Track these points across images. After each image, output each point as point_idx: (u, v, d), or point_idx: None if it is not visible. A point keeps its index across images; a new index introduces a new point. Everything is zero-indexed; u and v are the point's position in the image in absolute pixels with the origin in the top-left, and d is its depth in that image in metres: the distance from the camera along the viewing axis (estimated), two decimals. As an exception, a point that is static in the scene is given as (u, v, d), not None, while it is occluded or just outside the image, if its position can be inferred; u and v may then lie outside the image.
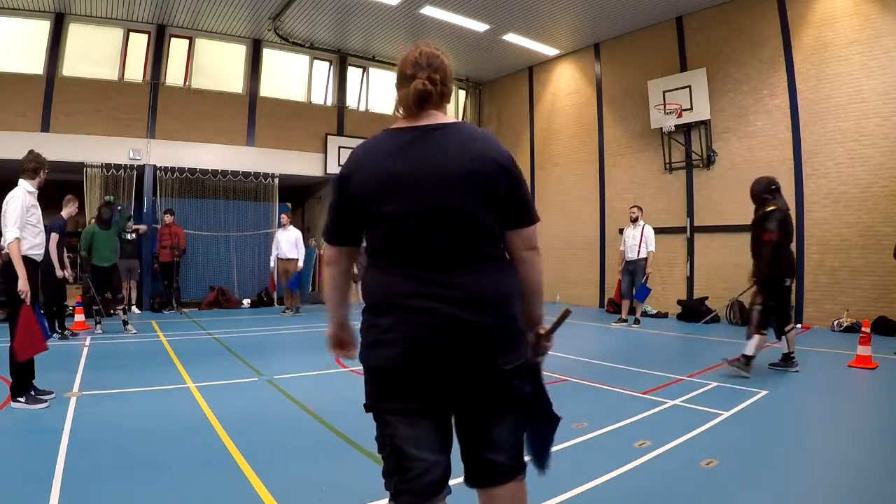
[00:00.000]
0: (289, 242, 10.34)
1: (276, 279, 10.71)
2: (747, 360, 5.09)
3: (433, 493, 1.59)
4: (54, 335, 6.91)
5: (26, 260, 4.09)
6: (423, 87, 1.54)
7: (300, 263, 10.35)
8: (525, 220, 1.60)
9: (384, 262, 1.57)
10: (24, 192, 4.16)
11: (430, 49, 1.61)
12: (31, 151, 4.37)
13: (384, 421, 1.59)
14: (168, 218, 10.67)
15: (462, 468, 1.69)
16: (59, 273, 6.79)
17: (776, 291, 5.22)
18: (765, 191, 5.31)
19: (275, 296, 11.62)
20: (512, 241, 1.61)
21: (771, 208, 5.17)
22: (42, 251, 4.32)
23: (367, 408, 1.62)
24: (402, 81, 1.60)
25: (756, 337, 5.11)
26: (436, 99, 1.58)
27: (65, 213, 7.07)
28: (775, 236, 5.06)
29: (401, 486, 1.59)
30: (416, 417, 1.56)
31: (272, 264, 10.57)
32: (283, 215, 10.67)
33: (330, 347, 1.85)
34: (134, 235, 10.13)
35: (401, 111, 1.61)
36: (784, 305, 5.40)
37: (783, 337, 5.44)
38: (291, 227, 10.51)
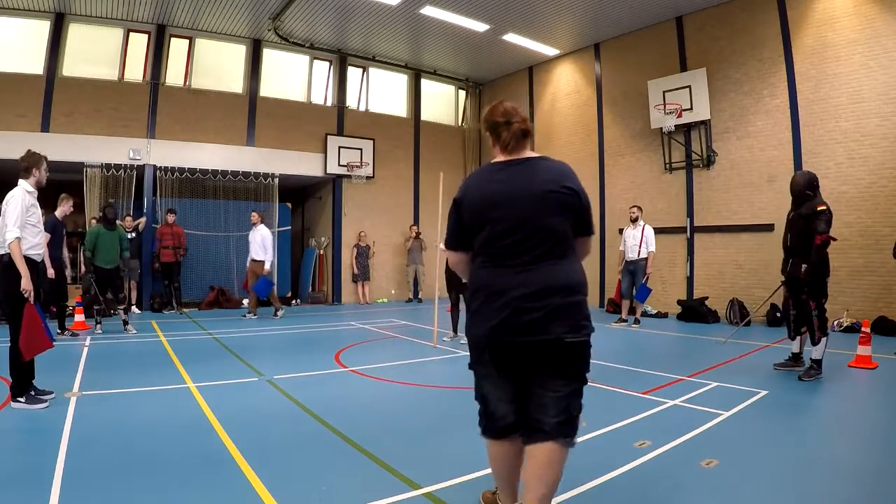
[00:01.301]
0: (255, 243, 9.70)
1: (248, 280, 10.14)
2: (819, 364, 5.12)
3: (507, 433, 2.15)
4: (64, 333, 6.91)
5: (28, 260, 4.10)
6: (525, 127, 2.14)
7: (267, 266, 9.65)
8: (586, 231, 2.18)
9: (483, 260, 2.10)
10: (23, 192, 4.17)
11: (511, 104, 2.20)
12: (27, 151, 4.38)
13: (477, 378, 2.19)
14: (170, 217, 10.66)
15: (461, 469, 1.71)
16: (49, 273, 6.56)
17: (823, 289, 5.17)
18: (807, 186, 5.17)
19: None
20: (577, 246, 2.15)
21: (821, 208, 5.04)
22: (41, 251, 4.33)
23: (471, 367, 2.20)
24: (498, 127, 2.14)
25: (823, 340, 5.12)
26: (528, 136, 2.16)
27: (59, 212, 7.00)
28: (828, 237, 4.99)
29: (487, 426, 2.19)
30: (494, 378, 2.12)
31: (248, 265, 9.99)
32: (253, 213, 9.95)
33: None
34: (134, 234, 10.13)
35: (498, 150, 2.18)
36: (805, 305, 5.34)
37: (797, 337, 5.39)
38: (261, 227, 9.86)
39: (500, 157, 2.17)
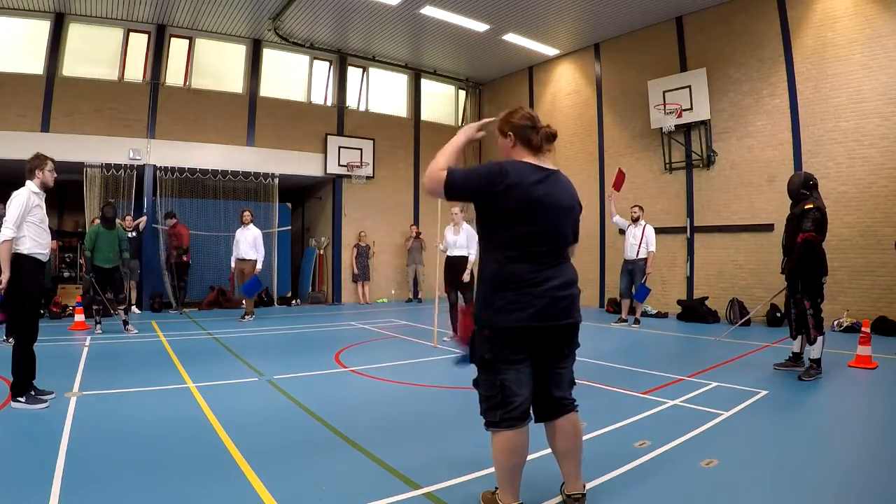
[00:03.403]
0: (247, 242, 9.57)
1: (235, 281, 10.08)
2: (818, 363, 5.11)
3: (525, 418, 2.31)
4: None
5: (31, 259, 4.14)
6: (553, 131, 2.41)
7: (258, 266, 9.54)
8: (577, 238, 2.48)
9: (515, 255, 2.24)
10: (28, 193, 4.21)
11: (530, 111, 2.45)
12: (35, 153, 4.43)
13: (496, 369, 2.27)
14: (170, 221, 10.63)
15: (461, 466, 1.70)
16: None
17: (818, 289, 5.16)
18: (802, 186, 5.20)
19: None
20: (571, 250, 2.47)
21: (808, 206, 5.07)
22: (47, 250, 4.35)
23: (486, 360, 2.28)
24: (525, 130, 2.36)
25: (820, 339, 5.11)
26: (555, 139, 2.43)
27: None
28: (810, 236, 5.00)
29: (504, 416, 2.27)
30: (521, 365, 2.27)
31: (232, 265, 9.86)
32: (245, 212, 9.82)
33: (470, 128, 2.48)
34: (135, 233, 10.12)
35: (520, 151, 2.36)
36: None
37: (798, 337, 5.40)
38: (252, 226, 9.73)
39: (529, 159, 2.34)
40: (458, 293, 7.17)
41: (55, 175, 4.45)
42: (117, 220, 8.51)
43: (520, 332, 2.23)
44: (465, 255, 7.07)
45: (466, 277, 7.01)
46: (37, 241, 4.19)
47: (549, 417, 2.42)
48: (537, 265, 2.25)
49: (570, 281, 2.35)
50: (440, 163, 2.26)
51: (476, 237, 7.14)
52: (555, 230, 2.29)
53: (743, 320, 8.45)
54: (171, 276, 10.65)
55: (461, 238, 7.13)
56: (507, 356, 2.25)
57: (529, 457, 2.40)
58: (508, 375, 2.26)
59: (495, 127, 2.48)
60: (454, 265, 7.14)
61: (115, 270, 7.75)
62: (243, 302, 10.37)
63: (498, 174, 2.22)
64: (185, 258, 10.51)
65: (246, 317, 9.63)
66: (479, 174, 2.25)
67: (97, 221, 8.23)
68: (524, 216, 2.22)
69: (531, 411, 2.36)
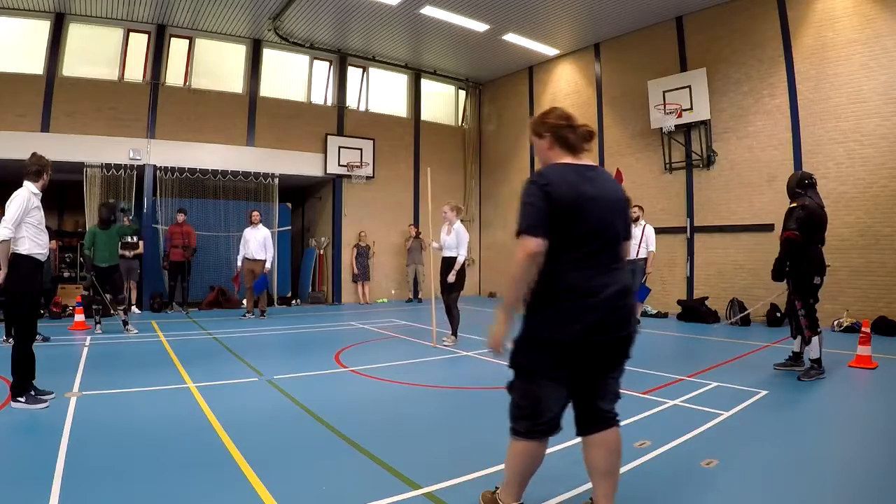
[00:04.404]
0: (257, 242, 9.74)
1: (241, 280, 10.14)
2: (818, 363, 5.11)
3: (552, 432, 2.21)
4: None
5: (30, 260, 4.14)
6: (591, 129, 2.29)
7: (268, 265, 9.81)
8: (628, 235, 2.29)
9: (568, 259, 2.07)
10: (28, 194, 4.20)
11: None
12: (34, 154, 4.41)
13: (534, 381, 2.13)
14: (180, 217, 10.63)
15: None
16: None
17: (809, 289, 5.15)
18: (797, 185, 5.22)
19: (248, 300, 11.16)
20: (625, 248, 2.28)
21: (793, 205, 5.09)
22: (45, 251, 4.35)
23: (524, 369, 2.15)
24: (562, 129, 2.24)
25: (815, 339, 5.10)
26: (594, 139, 2.30)
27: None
28: (792, 234, 5.01)
29: (532, 428, 2.17)
30: (561, 378, 2.13)
31: (239, 263, 9.96)
32: (253, 212, 10.05)
33: (498, 343, 2.17)
34: (135, 238, 10.08)
35: (556, 152, 2.24)
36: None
37: (798, 336, 5.40)
38: (261, 226, 9.99)
39: (568, 160, 2.21)
40: (451, 295, 7.08)
41: (49, 178, 4.47)
42: (124, 218, 8.58)
43: (568, 346, 2.07)
44: (454, 255, 6.95)
45: (451, 278, 6.89)
46: (35, 242, 4.19)
47: (590, 431, 2.27)
48: (593, 271, 2.08)
49: (627, 289, 2.17)
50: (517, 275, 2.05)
51: (466, 238, 7.13)
52: (606, 227, 2.13)
53: (742, 314, 8.44)
54: (171, 275, 10.65)
55: (451, 239, 7.02)
56: (549, 370, 2.11)
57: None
58: (546, 389, 2.14)
59: (530, 129, 2.36)
60: (445, 266, 7.05)
61: (114, 270, 7.75)
62: (243, 302, 10.38)
63: (540, 192, 2.05)
64: (187, 257, 10.51)
65: (247, 315, 9.79)
66: (532, 204, 2.06)
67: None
68: (573, 217, 2.06)
69: (561, 423, 2.24)
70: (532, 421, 2.16)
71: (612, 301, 2.07)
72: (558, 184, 2.07)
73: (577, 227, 2.07)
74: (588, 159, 2.26)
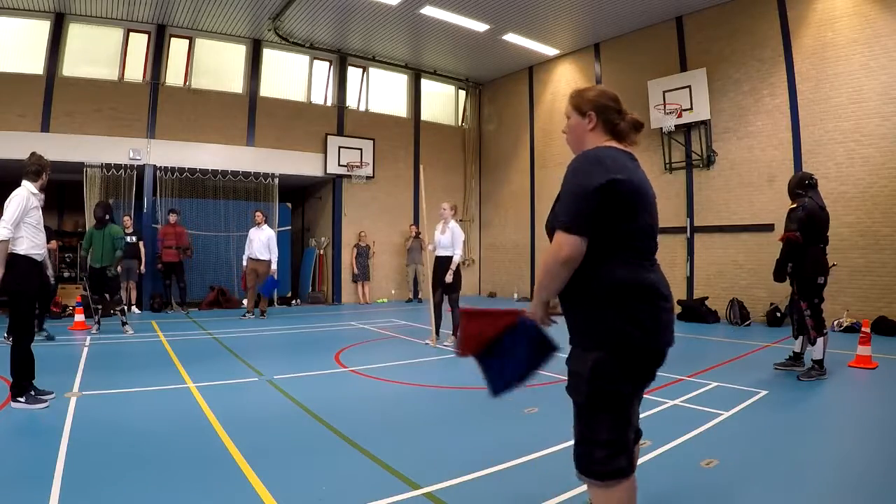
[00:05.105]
0: (260, 242, 9.70)
1: (245, 280, 10.13)
2: (820, 364, 5.10)
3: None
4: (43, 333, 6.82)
5: (28, 259, 4.13)
6: (641, 120, 2.00)
7: (273, 266, 9.75)
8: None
9: (625, 256, 1.79)
10: (27, 193, 4.19)
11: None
12: (33, 154, 4.39)
13: (627, 403, 1.82)
14: (172, 217, 10.64)
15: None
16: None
17: (813, 290, 5.15)
18: (797, 186, 5.21)
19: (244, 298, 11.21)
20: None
21: (792, 206, 5.09)
22: (43, 251, 4.34)
23: (609, 393, 1.77)
24: (609, 111, 1.94)
25: (820, 340, 5.10)
26: (641, 130, 2.02)
27: None
28: (792, 235, 5.00)
29: (630, 457, 1.82)
30: (637, 394, 1.89)
31: (244, 264, 9.93)
32: (257, 212, 10.02)
33: (545, 315, 1.96)
34: (134, 239, 10.06)
35: (599, 133, 1.95)
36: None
37: (799, 337, 5.39)
38: (265, 226, 9.89)
39: (613, 143, 1.94)
40: (444, 293, 7.09)
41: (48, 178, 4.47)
42: (124, 219, 8.55)
43: (656, 354, 1.83)
44: (450, 255, 6.95)
45: (449, 278, 6.87)
46: (33, 242, 4.19)
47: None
48: (645, 270, 1.82)
49: (668, 286, 1.93)
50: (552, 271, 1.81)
51: (462, 237, 7.14)
52: (656, 224, 1.93)
53: (741, 315, 8.46)
54: (165, 276, 10.64)
55: (446, 238, 7.01)
56: (634, 386, 1.83)
57: (527, 457, 2.38)
58: (633, 408, 1.87)
59: (567, 106, 2.05)
60: (439, 265, 7.06)
61: (105, 270, 7.64)
62: (243, 302, 10.38)
63: (599, 172, 1.76)
64: (184, 255, 10.50)
65: (247, 315, 9.80)
66: (584, 198, 1.75)
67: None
68: (634, 209, 1.80)
69: None
70: (629, 450, 1.81)
71: (671, 303, 1.88)
72: (625, 174, 1.79)
73: (638, 220, 1.81)
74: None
